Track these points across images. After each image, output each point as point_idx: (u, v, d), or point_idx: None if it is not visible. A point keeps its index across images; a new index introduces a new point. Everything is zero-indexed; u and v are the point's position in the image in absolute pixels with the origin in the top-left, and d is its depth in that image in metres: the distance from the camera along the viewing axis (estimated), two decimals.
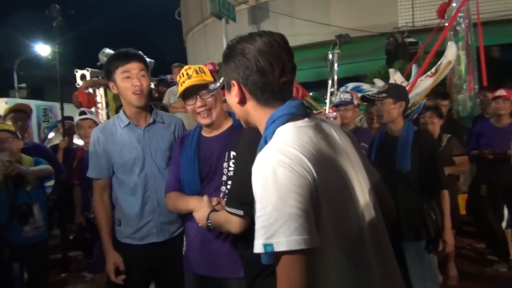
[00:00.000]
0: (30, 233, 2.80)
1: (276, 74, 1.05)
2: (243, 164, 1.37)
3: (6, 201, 2.65)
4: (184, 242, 1.92)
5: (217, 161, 1.79)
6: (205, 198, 1.69)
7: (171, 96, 5.35)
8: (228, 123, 1.88)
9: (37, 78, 21.48)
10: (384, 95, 2.49)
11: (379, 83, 5.88)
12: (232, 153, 1.78)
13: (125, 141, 2.07)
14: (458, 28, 5.17)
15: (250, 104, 1.12)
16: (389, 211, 1.30)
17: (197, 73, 1.81)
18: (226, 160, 1.78)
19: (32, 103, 12.88)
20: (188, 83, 1.77)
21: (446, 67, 4.88)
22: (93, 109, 5.61)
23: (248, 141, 1.40)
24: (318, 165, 0.97)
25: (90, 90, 5.55)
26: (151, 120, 2.11)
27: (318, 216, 0.95)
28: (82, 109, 3.60)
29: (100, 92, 5.75)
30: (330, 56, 5.10)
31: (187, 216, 1.84)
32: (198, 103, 1.79)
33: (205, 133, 1.89)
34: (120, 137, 2.08)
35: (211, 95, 1.79)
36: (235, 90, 1.11)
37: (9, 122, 3.11)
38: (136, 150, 2.06)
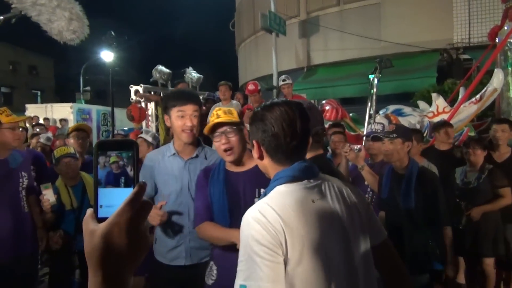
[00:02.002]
0: None
1: (288, 138, 1.25)
2: None
3: (72, 217, 2.89)
4: (214, 271, 2.01)
5: (247, 196, 1.93)
6: None
7: None
8: (255, 161, 2.06)
9: (100, 82, 23.09)
10: (394, 135, 2.59)
11: (423, 105, 5.81)
12: (262, 190, 1.85)
13: (168, 170, 2.31)
14: (509, 53, 4.99)
15: (267, 161, 1.32)
16: (398, 275, 1.40)
17: (225, 113, 2.01)
18: (257, 196, 1.93)
19: (93, 108, 14.03)
20: (216, 121, 1.98)
21: (491, 95, 4.76)
22: (144, 123, 6.07)
23: None
24: (294, 228, 1.14)
25: (143, 104, 6.00)
26: (194, 155, 2.33)
27: (287, 269, 1.13)
28: (140, 135, 3.87)
29: (151, 106, 6.19)
30: (371, 79, 5.15)
31: (220, 245, 1.96)
32: (223, 140, 1.97)
33: (231, 168, 2.03)
34: (165, 166, 2.32)
35: (235, 134, 1.97)
36: (255, 148, 1.34)
37: (72, 140, 3.48)
38: (175, 179, 2.29)
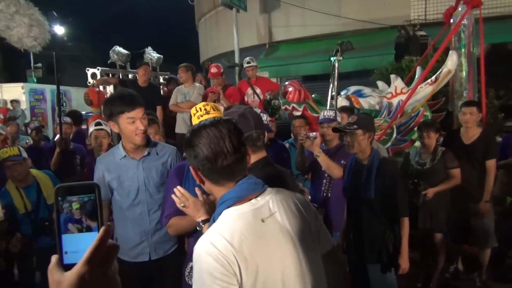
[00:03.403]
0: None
1: (219, 159, 1.25)
2: None
3: (28, 220, 2.76)
4: (188, 269, 2.00)
5: None
6: (195, 199, 1.69)
7: (178, 95, 5.50)
8: None
9: (52, 57, 21.78)
10: (354, 126, 2.65)
11: (382, 86, 5.95)
12: None
13: (122, 171, 2.31)
14: (462, 35, 5.17)
15: (208, 184, 1.33)
16: (344, 283, 1.45)
17: (214, 110, 1.99)
18: None
19: (47, 88, 13.30)
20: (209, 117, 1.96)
21: (446, 76, 4.95)
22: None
23: None
24: (246, 253, 1.16)
25: (101, 88, 5.77)
26: (146, 153, 2.34)
27: None
28: (98, 120, 3.74)
29: (110, 89, 5.96)
30: (332, 60, 5.20)
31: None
32: None
33: None
34: (118, 167, 2.32)
35: None
36: (193, 173, 1.34)
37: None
38: (131, 179, 2.30)
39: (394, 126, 4.87)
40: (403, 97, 5.05)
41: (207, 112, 1.96)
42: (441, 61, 5.32)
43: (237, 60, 9.92)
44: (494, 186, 4.18)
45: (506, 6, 8.91)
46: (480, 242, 3.81)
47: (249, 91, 5.64)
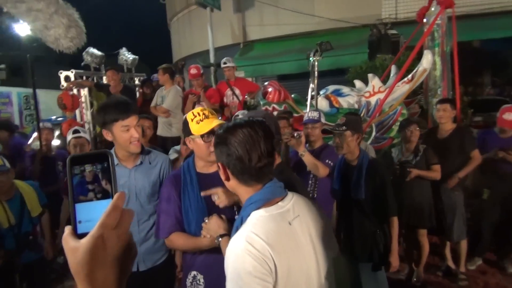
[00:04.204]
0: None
1: (253, 160, 1.26)
2: None
3: (11, 234, 2.63)
4: (201, 281, 1.94)
5: None
6: (215, 216, 1.75)
7: (157, 98, 5.40)
8: None
9: (16, 58, 20.88)
10: (343, 128, 2.67)
11: (360, 84, 6.04)
12: None
13: None
14: (436, 34, 5.32)
15: (233, 182, 1.33)
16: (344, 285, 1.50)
17: (211, 114, 2.00)
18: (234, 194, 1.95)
19: (14, 91, 12.75)
20: (216, 122, 1.94)
21: (422, 75, 5.07)
22: (77, 111, 5.67)
23: None
24: (279, 252, 1.19)
25: (75, 91, 5.57)
26: (139, 162, 2.27)
27: None
28: (76, 127, 3.60)
29: (84, 92, 5.77)
30: (311, 60, 5.23)
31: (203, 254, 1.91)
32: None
33: (203, 170, 2.01)
34: None
35: None
36: (221, 170, 1.34)
37: None
38: (122, 189, 2.21)
39: (373, 125, 4.97)
40: (381, 95, 5.14)
41: (206, 117, 1.96)
42: (414, 60, 5.45)
43: (212, 60, 9.85)
44: (470, 179, 4.34)
45: (468, 5, 9.23)
46: (452, 235, 3.94)
47: (228, 92, 5.60)
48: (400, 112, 5.05)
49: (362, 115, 5.10)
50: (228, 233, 1.69)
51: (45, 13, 2.66)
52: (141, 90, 6.48)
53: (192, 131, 1.95)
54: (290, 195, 1.35)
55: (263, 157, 1.27)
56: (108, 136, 2.18)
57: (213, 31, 9.97)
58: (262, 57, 10.54)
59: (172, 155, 3.65)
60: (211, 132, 1.94)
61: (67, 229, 0.61)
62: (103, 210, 0.61)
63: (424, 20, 5.70)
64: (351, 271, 1.54)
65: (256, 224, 1.23)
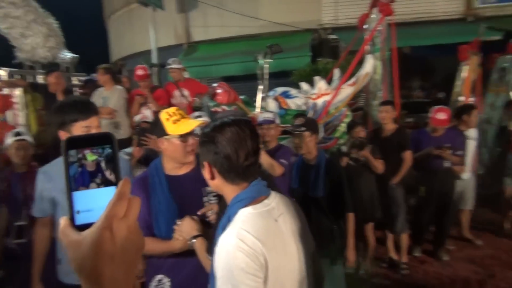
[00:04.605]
0: None
1: (240, 159, 1.28)
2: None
3: None
4: (167, 284, 1.89)
5: (195, 198, 1.90)
6: (188, 218, 1.75)
7: (97, 99, 5.15)
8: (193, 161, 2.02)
9: None
10: (303, 128, 2.77)
11: (306, 87, 6.24)
12: (208, 188, 1.95)
13: None
14: (376, 40, 5.64)
15: (219, 181, 1.33)
16: (320, 279, 1.54)
17: (185, 114, 1.97)
18: (205, 195, 1.93)
19: None
20: (197, 122, 1.92)
21: (364, 78, 5.35)
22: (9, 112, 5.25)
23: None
24: (269, 248, 1.22)
25: (6, 91, 5.14)
26: None
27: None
28: (17, 130, 3.32)
29: (17, 93, 5.34)
30: (261, 63, 5.31)
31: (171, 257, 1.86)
32: (192, 141, 1.92)
33: (172, 172, 1.95)
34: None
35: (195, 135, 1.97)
36: (207, 169, 1.34)
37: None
38: None
39: (321, 125, 5.15)
40: (327, 97, 5.34)
41: (183, 116, 1.93)
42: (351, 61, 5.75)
43: (155, 60, 9.60)
44: (408, 176, 4.66)
45: (399, 14, 9.88)
46: (395, 229, 4.22)
47: (176, 93, 5.50)
48: (345, 113, 5.29)
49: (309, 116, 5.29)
50: (202, 234, 1.68)
51: (23, 20, 2.46)
52: (81, 91, 6.13)
53: (168, 131, 1.90)
54: (273, 193, 1.38)
55: (250, 155, 1.29)
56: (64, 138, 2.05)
57: (156, 31, 9.72)
58: (206, 59, 10.47)
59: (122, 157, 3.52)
60: (190, 132, 1.93)
61: (64, 221, 0.55)
62: (105, 198, 0.55)
63: (365, 26, 6.02)
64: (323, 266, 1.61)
65: (245, 221, 1.24)
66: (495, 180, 5.28)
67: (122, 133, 5.02)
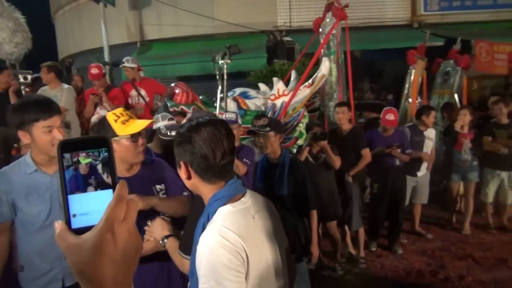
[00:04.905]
0: None
1: (217, 158, 1.30)
2: (193, 221, 1.56)
3: None
4: None
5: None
6: (159, 218, 1.77)
7: None
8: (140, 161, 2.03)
9: None
10: (267, 129, 2.81)
11: (264, 88, 6.31)
12: (158, 187, 2.02)
13: (31, 188, 1.99)
14: (331, 43, 5.82)
15: (196, 180, 1.35)
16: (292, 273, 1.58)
17: (132, 115, 1.97)
18: (156, 193, 1.98)
19: None
20: (146, 122, 1.94)
21: (321, 80, 5.50)
22: None
23: (200, 205, 1.60)
24: (250, 244, 1.25)
25: None
26: None
27: (247, 283, 1.23)
28: None
29: None
30: (220, 63, 5.29)
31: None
32: (141, 141, 1.94)
33: (121, 175, 1.92)
34: (26, 183, 1.98)
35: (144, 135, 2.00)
36: (183, 168, 1.35)
37: None
38: (42, 197, 2.00)
39: None
40: (285, 98, 5.44)
41: (131, 117, 1.94)
42: (307, 66, 5.91)
43: (107, 59, 9.25)
44: (361, 174, 4.85)
45: (351, 19, 10.30)
46: (351, 225, 4.39)
47: (133, 92, 5.34)
48: (303, 114, 5.41)
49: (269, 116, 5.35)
50: (173, 234, 1.66)
51: None
52: (27, 89, 5.78)
53: (117, 132, 1.88)
54: (248, 192, 1.41)
55: (226, 154, 1.31)
56: (25, 138, 1.93)
57: (107, 28, 9.38)
58: (161, 58, 10.25)
59: None
60: (139, 132, 1.92)
61: (60, 224, 0.54)
62: (102, 201, 0.56)
63: (320, 30, 6.20)
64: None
65: (226, 219, 1.26)
66: (442, 177, 5.64)
67: (73, 133, 4.79)
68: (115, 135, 1.87)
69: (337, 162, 3.95)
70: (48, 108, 1.92)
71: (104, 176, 0.58)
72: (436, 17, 10.98)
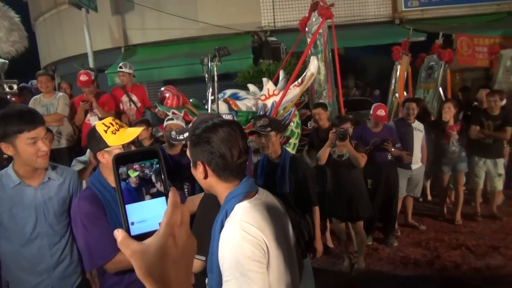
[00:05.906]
0: None
1: (234, 157, 1.35)
2: (203, 222, 1.61)
3: None
4: None
5: None
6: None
7: (36, 106, 4.84)
8: None
9: None
10: (268, 129, 2.84)
11: (253, 88, 6.34)
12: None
13: (15, 202, 1.95)
14: (318, 42, 5.89)
15: (212, 179, 1.40)
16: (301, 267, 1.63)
17: (122, 124, 1.95)
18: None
19: None
20: (139, 130, 1.94)
21: (310, 78, 5.56)
22: None
23: (209, 205, 1.66)
24: (269, 236, 1.31)
25: None
26: (46, 179, 2.02)
27: (268, 273, 1.29)
28: None
29: None
30: (209, 65, 5.30)
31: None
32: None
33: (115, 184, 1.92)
34: (9, 197, 1.94)
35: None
36: (200, 168, 1.39)
37: None
38: (28, 210, 1.96)
39: None
40: (276, 98, 5.48)
41: (121, 126, 1.92)
42: (295, 65, 5.97)
43: (91, 65, 9.15)
44: None
45: (336, 17, 10.44)
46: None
47: (125, 98, 5.32)
48: (294, 113, 5.46)
49: None
50: None
51: None
52: (13, 99, 5.69)
53: (109, 143, 1.84)
54: (260, 189, 1.47)
55: (242, 153, 1.37)
56: (8, 151, 1.88)
57: (90, 34, 9.27)
58: (147, 62, 10.19)
59: (77, 166, 3.35)
60: (131, 141, 1.90)
61: (121, 233, 0.58)
62: (156, 209, 0.60)
63: (306, 29, 6.26)
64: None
65: (245, 214, 1.31)
66: (432, 169, 5.76)
67: (65, 142, 4.76)
68: (107, 145, 1.83)
69: (360, 160, 3.87)
70: (32, 119, 1.88)
71: (158, 185, 0.63)
72: (417, 13, 11.19)
